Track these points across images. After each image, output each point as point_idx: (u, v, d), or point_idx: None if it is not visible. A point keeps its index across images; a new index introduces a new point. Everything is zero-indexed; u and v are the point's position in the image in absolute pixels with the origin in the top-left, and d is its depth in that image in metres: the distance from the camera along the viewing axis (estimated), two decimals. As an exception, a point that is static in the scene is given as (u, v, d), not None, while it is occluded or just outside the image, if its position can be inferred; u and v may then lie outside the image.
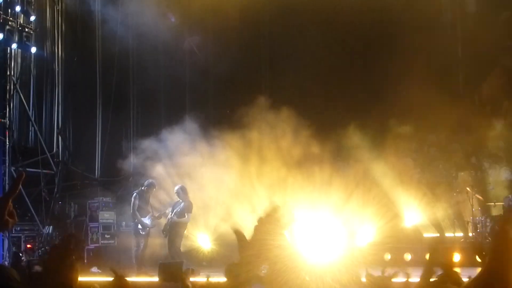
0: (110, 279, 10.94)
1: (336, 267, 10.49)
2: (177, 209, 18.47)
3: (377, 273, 9.16)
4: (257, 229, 3.94)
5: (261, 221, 4.19)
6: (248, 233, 8.00)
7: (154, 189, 19.03)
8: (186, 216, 18.39)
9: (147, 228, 18.52)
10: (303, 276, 3.69)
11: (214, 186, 20.43)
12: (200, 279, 16.18)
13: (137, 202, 18.42)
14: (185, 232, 19.00)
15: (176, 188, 18.68)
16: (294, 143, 21.04)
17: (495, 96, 24.92)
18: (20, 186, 12.28)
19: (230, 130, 20.92)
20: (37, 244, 19.97)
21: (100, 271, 19.01)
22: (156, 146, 21.36)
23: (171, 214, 18.50)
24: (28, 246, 19.91)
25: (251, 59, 25.89)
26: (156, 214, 18.95)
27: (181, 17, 24.45)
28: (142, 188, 18.73)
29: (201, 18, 24.69)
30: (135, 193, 18.75)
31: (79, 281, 10.36)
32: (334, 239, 18.74)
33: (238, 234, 3.73)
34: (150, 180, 18.94)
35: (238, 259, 4.67)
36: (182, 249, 18.98)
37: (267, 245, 3.78)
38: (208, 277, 9.39)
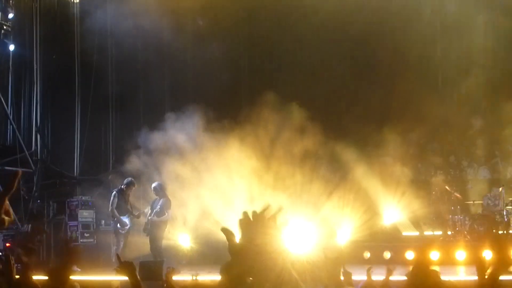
0: (92, 277, 10.89)
1: (316, 265, 10.48)
2: (157, 207, 18.40)
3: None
4: (245, 229, 3.86)
5: (251, 220, 4.10)
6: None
7: (134, 188, 18.97)
8: (166, 214, 18.33)
9: (126, 227, 18.46)
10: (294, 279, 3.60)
11: (197, 184, 20.41)
12: (182, 277, 16.17)
13: (116, 200, 18.37)
14: (166, 230, 18.92)
15: (153, 185, 18.61)
16: (277, 143, 21.06)
17: (474, 95, 25.03)
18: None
19: (217, 128, 20.93)
20: (16, 242, 19.83)
21: (79, 269, 18.90)
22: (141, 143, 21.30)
23: (151, 214, 18.43)
24: (7, 244, 19.80)
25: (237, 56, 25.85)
26: (136, 213, 18.90)
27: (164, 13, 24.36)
28: (122, 186, 18.67)
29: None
30: (114, 192, 18.70)
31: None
32: (314, 237, 18.81)
33: (227, 233, 3.64)
34: (130, 179, 18.86)
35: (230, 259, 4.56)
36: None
37: (256, 247, 3.70)
38: (194, 275, 9.33)
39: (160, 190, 18.42)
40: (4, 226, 3.26)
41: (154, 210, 18.39)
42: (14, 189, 3.27)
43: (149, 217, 18.46)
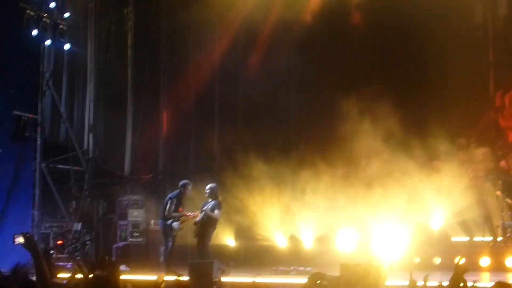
0: (142, 277, 10.99)
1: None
2: (207, 206, 18.26)
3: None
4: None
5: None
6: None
7: (189, 190, 18.68)
8: (216, 212, 18.14)
9: (176, 230, 18.36)
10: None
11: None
12: (232, 279, 16.25)
13: (173, 207, 18.20)
14: (214, 231, 18.80)
15: (209, 185, 18.49)
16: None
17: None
18: (51, 183, 12.33)
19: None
20: (67, 241, 20.05)
21: (128, 269, 19.09)
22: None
23: (202, 211, 18.25)
24: (59, 242, 20.01)
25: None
26: (188, 213, 18.73)
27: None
28: (178, 191, 18.44)
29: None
30: (171, 197, 18.40)
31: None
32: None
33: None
34: (185, 181, 18.69)
35: None
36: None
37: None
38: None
39: (213, 192, 18.32)
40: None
41: (205, 208, 18.22)
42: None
43: (201, 214, 18.24)
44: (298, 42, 26.67)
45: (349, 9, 25.43)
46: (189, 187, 18.57)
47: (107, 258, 6.40)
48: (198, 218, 18.21)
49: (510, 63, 24.60)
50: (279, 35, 25.92)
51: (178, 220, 18.31)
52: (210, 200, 18.26)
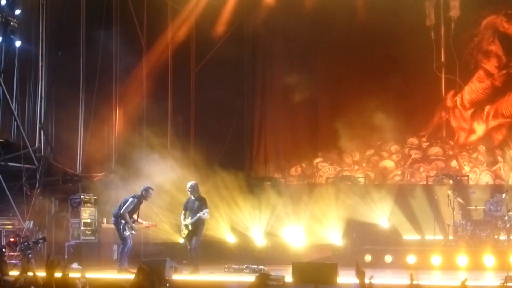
0: (93, 275, 10.87)
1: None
2: (194, 206, 17.93)
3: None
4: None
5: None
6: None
7: (151, 195, 18.48)
8: (206, 212, 17.82)
9: (132, 232, 18.21)
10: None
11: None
12: (182, 277, 16.24)
13: (131, 207, 18.00)
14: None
15: (190, 183, 18.25)
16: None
17: (477, 100, 25.06)
18: (2, 181, 12.17)
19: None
20: (19, 239, 19.76)
21: (80, 267, 18.93)
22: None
23: (191, 215, 17.94)
24: (12, 239, 19.74)
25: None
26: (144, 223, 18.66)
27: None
28: (140, 194, 18.24)
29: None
30: (134, 197, 18.21)
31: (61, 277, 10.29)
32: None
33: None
34: (148, 185, 18.48)
35: None
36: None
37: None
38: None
39: (195, 190, 18.08)
40: None
41: (200, 210, 17.87)
42: None
43: (195, 217, 17.90)
44: (251, 44, 26.82)
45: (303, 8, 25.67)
46: (151, 191, 18.39)
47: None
48: (190, 221, 17.91)
49: (461, 63, 24.85)
50: (233, 34, 26.00)
51: (131, 227, 18.16)
52: (192, 197, 18.02)
